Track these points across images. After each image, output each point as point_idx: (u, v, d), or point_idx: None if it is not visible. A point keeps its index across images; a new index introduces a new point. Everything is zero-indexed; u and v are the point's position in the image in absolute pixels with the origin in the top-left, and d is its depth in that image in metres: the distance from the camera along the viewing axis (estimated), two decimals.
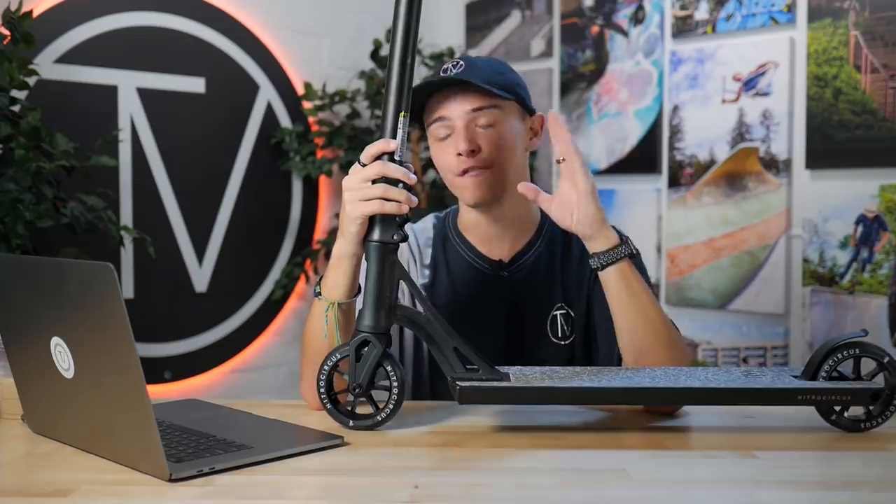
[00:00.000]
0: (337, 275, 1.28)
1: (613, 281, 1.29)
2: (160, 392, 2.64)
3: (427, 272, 1.50)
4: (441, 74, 1.41)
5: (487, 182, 1.41)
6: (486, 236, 1.49)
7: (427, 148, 2.97)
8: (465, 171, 1.41)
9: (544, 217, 1.50)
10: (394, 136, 1.23)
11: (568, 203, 1.31)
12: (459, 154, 1.39)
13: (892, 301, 2.34)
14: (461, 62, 1.42)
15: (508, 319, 1.47)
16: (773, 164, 2.56)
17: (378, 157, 1.24)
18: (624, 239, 1.31)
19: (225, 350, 2.85)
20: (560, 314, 1.47)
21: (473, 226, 1.50)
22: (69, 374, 1.07)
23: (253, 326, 2.91)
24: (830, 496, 0.97)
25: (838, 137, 2.42)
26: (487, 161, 1.40)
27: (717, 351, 2.69)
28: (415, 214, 1.37)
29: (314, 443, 1.12)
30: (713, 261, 2.69)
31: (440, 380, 1.46)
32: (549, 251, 1.49)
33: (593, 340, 1.47)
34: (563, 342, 1.46)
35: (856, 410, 1.21)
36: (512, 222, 1.48)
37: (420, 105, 1.44)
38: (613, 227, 1.33)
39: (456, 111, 1.40)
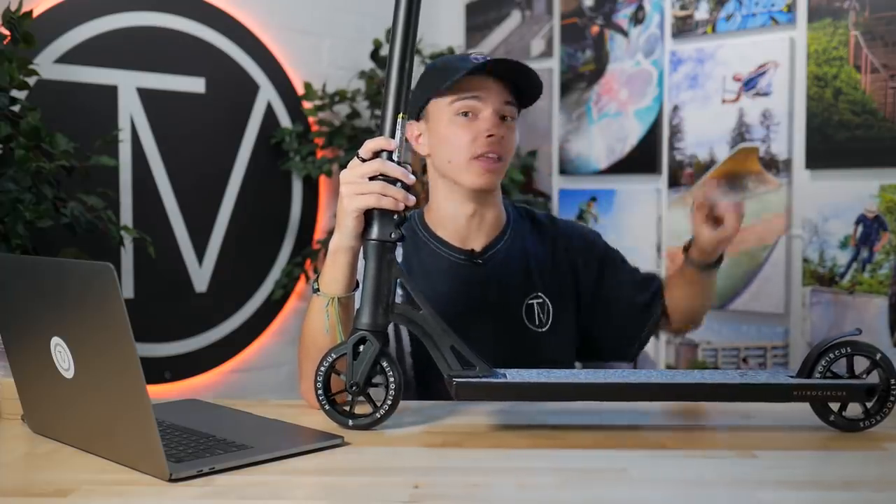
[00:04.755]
0: (334, 269, 1.29)
1: (689, 276, 1.54)
2: (160, 392, 2.64)
3: None
4: (472, 60, 1.45)
5: (496, 172, 1.48)
6: (459, 231, 1.53)
7: None
8: (481, 155, 1.45)
9: (509, 217, 1.58)
10: (392, 137, 1.24)
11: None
12: (490, 135, 1.44)
13: (892, 301, 2.34)
14: (492, 58, 1.46)
15: (487, 307, 1.51)
16: (773, 164, 2.56)
17: (377, 154, 1.24)
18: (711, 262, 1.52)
19: (225, 350, 2.85)
20: (536, 303, 1.53)
21: (448, 221, 1.53)
22: (69, 374, 1.07)
23: (253, 326, 2.91)
24: (830, 496, 0.97)
25: (838, 137, 2.42)
26: (501, 153, 1.47)
27: (716, 351, 2.69)
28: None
29: (314, 443, 1.12)
30: None
31: (431, 381, 1.46)
32: (520, 245, 1.56)
33: (585, 327, 1.58)
34: (539, 329, 1.53)
35: (853, 410, 1.22)
36: (486, 219, 1.54)
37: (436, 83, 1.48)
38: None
39: (492, 96, 1.45)
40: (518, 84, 1.49)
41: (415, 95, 1.48)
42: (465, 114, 1.46)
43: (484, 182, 1.47)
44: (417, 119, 1.54)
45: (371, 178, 1.23)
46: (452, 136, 1.47)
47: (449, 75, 1.45)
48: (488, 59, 1.46)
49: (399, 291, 1.40)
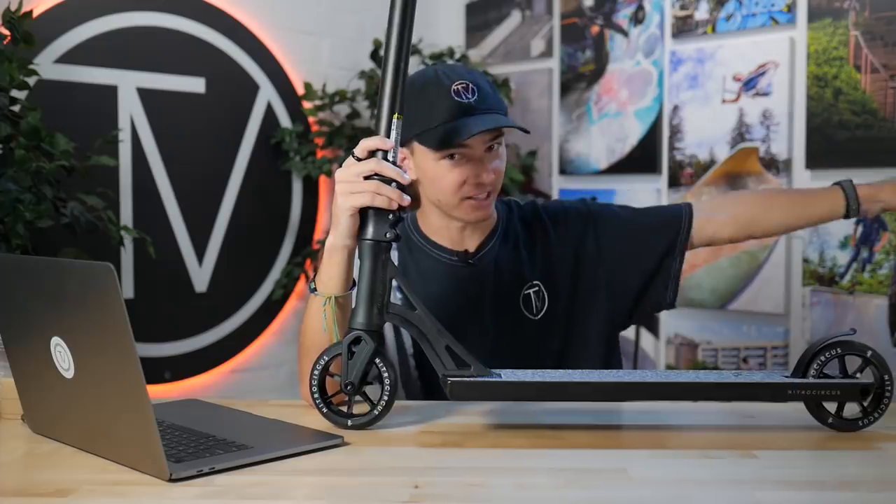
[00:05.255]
0: (330, 268, 1.29)
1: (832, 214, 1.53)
2: (160, 392, 2.64)
3: None
4: (455, 98, 1.40)
5: (489, 206, 1.47)
6: (452, 238, 1.52)
7: None
8: (474, 197, 1.43)
9: (499, 214, 1.56)
10: (388, 137, 1.24)
11: None
12: (481, 183, 1.42)
13: (892, 301, 2.34)
14: (473, 88, 1.42)
15: (485, 305, 1.51)
16: (773, 164, 2.56)
17: (372, 153, 1.24)
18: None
19: (225, 350, 2.85)
20: (532, 292, 1.53)
21: (442, 229, 1.52)
22: (69, 374, 1.07)
23: (253, 326, 2.91)
24: (830, 496, 0.97)
25: (838, 137, 2.42)
26: (494, 186, 1.45)
27: (717, 351, 2.69)
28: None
29: (314, 443, 1.13)
30: (713, 261, 2.69)
31: (435, 381, 1.47)
32: (513, 240, 1.55)
33: (615, 290, 1.55)
34: (535, 317, 1.52)
35: (850, 411, 1.22)
36: (479, 225, 1.52)
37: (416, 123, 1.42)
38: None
39: (477, 141, 1.41)
40: (502, 109, 1.46)
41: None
42: (452, 156, 1.42)
43: (478, 216, 1.47)
44: (401, 145, 1.45)
45: (366, 178, 1.23)
46: (441, 179, 1.43)
47: (433, 120, 1.40)
48: (470, 123, 1.39)
49: (398, 295, 1.41)
